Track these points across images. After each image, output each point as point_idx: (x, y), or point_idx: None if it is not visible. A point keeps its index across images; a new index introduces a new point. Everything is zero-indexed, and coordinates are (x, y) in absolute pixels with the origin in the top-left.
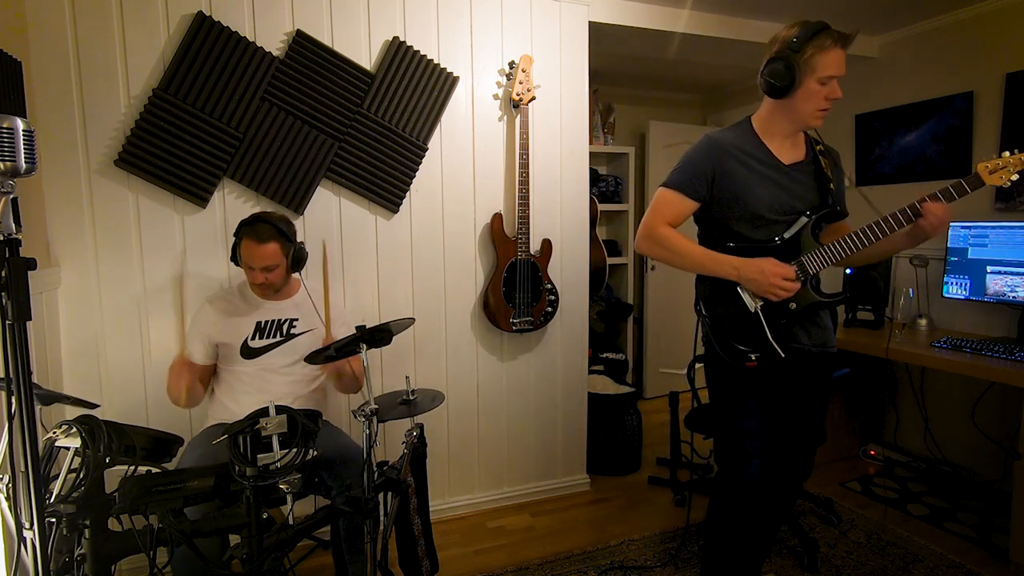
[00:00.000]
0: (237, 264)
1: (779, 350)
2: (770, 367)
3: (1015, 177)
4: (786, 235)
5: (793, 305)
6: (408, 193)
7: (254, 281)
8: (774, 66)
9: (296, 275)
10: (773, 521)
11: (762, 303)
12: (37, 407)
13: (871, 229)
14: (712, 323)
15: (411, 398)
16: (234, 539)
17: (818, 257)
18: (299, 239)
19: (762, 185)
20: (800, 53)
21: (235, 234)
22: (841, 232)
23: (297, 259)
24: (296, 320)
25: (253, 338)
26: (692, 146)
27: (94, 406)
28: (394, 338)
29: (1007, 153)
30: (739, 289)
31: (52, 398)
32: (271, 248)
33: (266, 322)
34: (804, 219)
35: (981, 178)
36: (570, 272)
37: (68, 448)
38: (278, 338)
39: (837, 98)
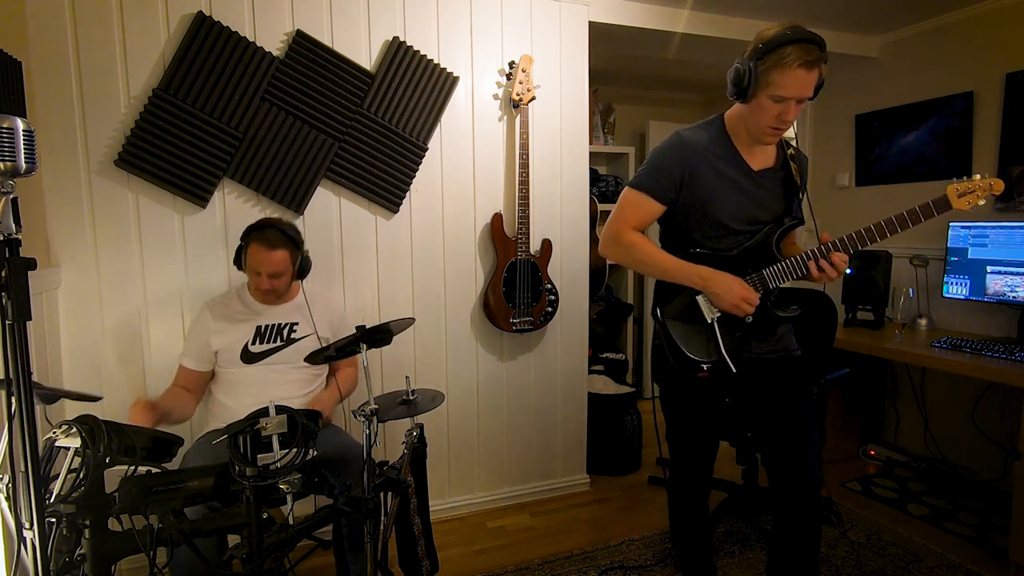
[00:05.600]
0: (240, 268)
1: (731, 365)
2: (721, 378)
3: (981, 203)
4: (749, 245)
5: (750, 319)
6: (408, 193)
7: (259, 287)
8: (737, 67)
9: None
10: (795, 535)
11: (719, 315)
12: (38, 407)
13: (823, 251)
14: (666, 330)
15: (411, 398)
16: (234, 539)
17: (778, 272)
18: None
19: (729, 192)
20: (761, 62)
21: (242, 238)
22: (789, 240)
23: (303, 267)
24: (296, 324)
25: (254, 343)
26: (661, 144)
27: (96, 399)
28: (394, 338)
29: (978, 176)
30: (699, 298)
31: (54, 396)
32: (280, 255)
33: (266, 326)
34: (768, 231)
35: (949, 202)
36: (570, 272)
37: (68, 448)
38: (279, 342)
39: (789, 120)
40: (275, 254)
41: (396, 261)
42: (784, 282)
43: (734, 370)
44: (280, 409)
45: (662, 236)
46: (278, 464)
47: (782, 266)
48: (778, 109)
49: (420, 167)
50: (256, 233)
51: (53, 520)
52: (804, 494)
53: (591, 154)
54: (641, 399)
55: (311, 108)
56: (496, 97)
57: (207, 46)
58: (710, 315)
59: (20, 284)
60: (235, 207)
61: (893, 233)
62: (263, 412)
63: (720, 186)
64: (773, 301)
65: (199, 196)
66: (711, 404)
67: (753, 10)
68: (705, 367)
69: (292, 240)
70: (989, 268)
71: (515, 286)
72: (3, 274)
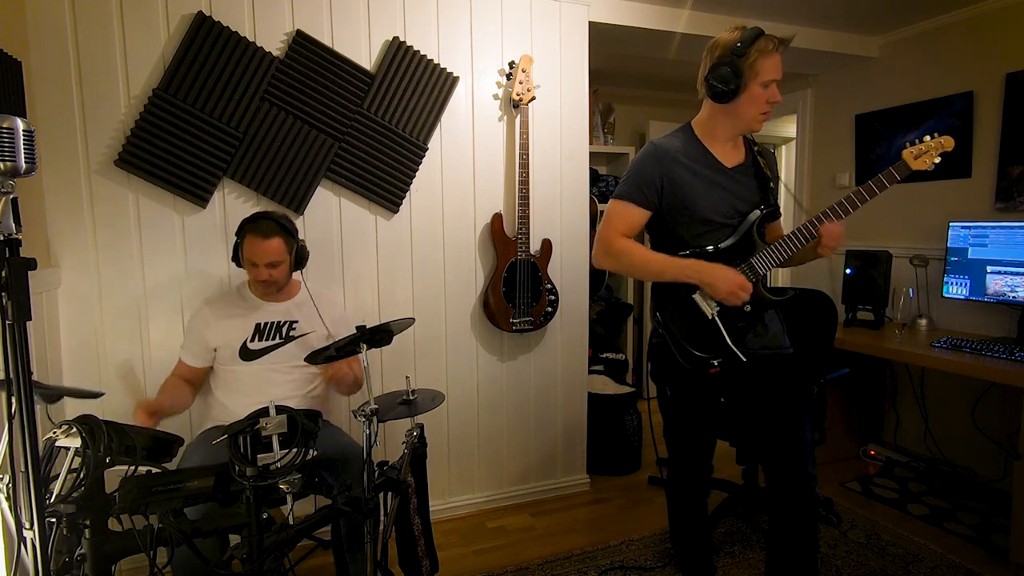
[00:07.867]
0: (239, 265)
1: (740, 355)
2: (732, 371)
3: (938, 159)
4: (734, 238)
5: (748, 307)
6: (408, 193)
7: (258, 278)
8: (720, 71)
9: (297, 276)
10: (791, 532)
11: (719, 309)
12: (38, 406)
13: (809, 227)
14: (670, 332)
15: (411, 398)
16: (234, 539)
17: (766, 258)
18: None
19: (709, 190)
20: (745, 57)
21: (237, 233)
22: (775, 232)
23: (300, 257)
24: (296, 322)
25: (252, 340)
26: (638, 155)
27: (97, 395)
28: (394, 338)
29: (928, 137)
30: (695, 296)
31: (56, 395)
32: (275, 243)
33: (265, 324)
34: (750, 221)
35: (908, 164)
36: (570, 272)
37: (68, 448)
38: (277, 340)
39: (777, 102)
40: (270, 242)
41: (396, 261)
42: (773, 266)
43: (744, 359)
44: (280, 409)
45: (652, 244)
46: (278, 464)
47: (768, 251)
48: (767, 94)
49: (420, 167)
50: (250, 225)
51: (53, 520)
52: (798, 491)
53: (591, 154)
54: (641, 399)
55: (311, 108)
56: (496, 97)
57: (207, 46)
58: (710, 311)
59: (20, 284)
60: (235, 207)
61: (863, 202)
62: (263, 412)
63: (698, 184)
64: (766, 287)
65: (199, 196)
66: (709, 402)
67: (753, 10)
68: (716, 363)
69: (286, 229)
70: (989, 268)
71: (515, 286)
72: (3, 274)
